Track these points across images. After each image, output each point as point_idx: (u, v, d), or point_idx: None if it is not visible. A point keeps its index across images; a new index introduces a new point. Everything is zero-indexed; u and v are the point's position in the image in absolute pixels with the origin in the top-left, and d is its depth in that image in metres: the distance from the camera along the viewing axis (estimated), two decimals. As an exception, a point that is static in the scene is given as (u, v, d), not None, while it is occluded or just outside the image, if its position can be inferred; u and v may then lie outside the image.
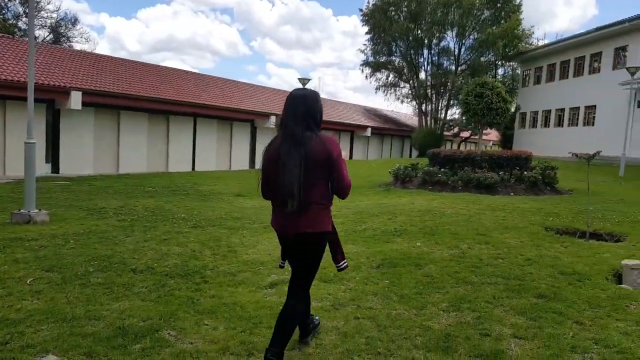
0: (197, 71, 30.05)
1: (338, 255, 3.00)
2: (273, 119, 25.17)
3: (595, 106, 25.48)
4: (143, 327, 3.31)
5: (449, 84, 33.08)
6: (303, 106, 2.70)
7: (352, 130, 32.67)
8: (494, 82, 13.88)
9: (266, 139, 24.92)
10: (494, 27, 30.74)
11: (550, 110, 29.10)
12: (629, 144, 18.64)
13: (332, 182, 2.71)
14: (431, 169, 13.34)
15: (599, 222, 7.37)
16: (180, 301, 3.87)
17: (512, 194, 12.02)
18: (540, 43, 31.66)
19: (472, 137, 37.70)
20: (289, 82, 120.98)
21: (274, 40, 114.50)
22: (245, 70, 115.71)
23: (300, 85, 23.08)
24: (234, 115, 24.25)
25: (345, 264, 3.02)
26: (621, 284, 4.23)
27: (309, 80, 23.40)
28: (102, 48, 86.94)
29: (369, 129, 32.80)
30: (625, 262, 4.32)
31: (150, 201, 10.24)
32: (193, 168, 23.23)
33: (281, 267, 3.05)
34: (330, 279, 4.42)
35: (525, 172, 12.76)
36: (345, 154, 2.83)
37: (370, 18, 34.58)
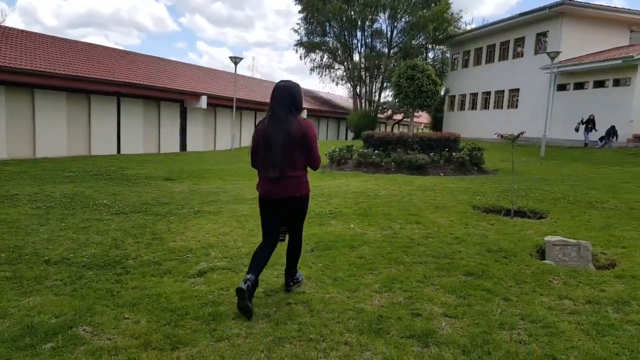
0: (122, 48, 28.05)
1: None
2: (204, 99, 24.31)
3: (518, 89, 26.89)
4: (55, 324, 3.01)
5: (382, 66, 33.54)
6: (287, 95, 3.41)
7: (287, 112, 32.39)
8: (424, 65, 14.15)
9: (198, 120, 24.18)
10: (424, 10, 31.42)
11: (477, 93, 30.40)
12: (549, 125, 19.89)
13: (307, 156, 3.41)
14: (365, 150, 13.48)
15: (522, 200, 7.74)
16: (98, 294, 3.57)
17: (441, 174, 12.42)
18: (468, 27, 32.83)
19: (405, 119, 38.66)
20: (221, 61, 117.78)
21: (204, 17, 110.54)
22: (175, 47, 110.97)
23: (232, 64, 22.41)
24: (162, 95, 23.12)
25: (283, 238, 3.74)
26: (544, 259, 4.42)
27: (241, 59, 22.78)
28: (13, 21, 79.64)
29: (305, 111, 32.66)
30: (547, 238, 4.52)
31: (70, 187, 9.53)
32: (118, 151, 22.01)
33: (281, 240, 3.66)
34: (263, 264, 4.27)
35: (454, 153, 13.22)
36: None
37: (303, -4, 34.21)
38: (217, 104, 26.28)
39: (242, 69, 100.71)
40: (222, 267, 4.27)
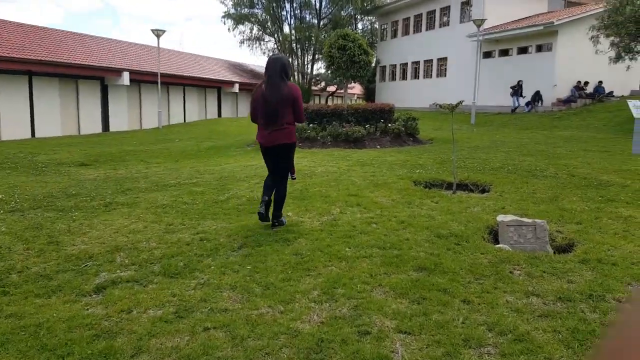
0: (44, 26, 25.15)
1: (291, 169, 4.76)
2: (126, 75, 22.38)
3: (446, 58, 27.08)
4: None
5: (313, 38, 32.60)
6: (280, 65, 4.38)
7: (218, 87, 30.82)
8: (355, 34, 13.54)
9: (120, 98, 22.39)
10: (352, -20, 30.71)
11: (407, 63, 30.38)
12: (477, 93, 20.13)
13: (294, 112, 4.42)
14: (300, 125, 12.80)
15: (462, 171, 7.45)
16: (-47, 334, 2.71)
17: (378, 146, 12.04)
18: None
19: (339, 91, 38.17)
20: (149, 37, 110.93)
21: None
22: (98, 25, 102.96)
23: (154, 36, 20.74)
24: (79, 72, 20.98)
25: (294, 177, 5.05)
26: (498, 242, 4.03)
27: (164, 31, 21.05)
28: None
29: (237, 85, 31.22)
30: (500, 218, 4.13)
31: (-45, 182, 8.14)
32: (33, 135, 19.86)
33: (293, 178, 5.03)
34: (179, 272, 3.54)
35: (389, 125, 12.86)
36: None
37: (228, -35, 32.29)
38: (141, 79, 24.35)
39: (171, 45, 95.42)
40: (127, 278, 3.49)
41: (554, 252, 3.97)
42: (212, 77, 29.51)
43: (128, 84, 22.75)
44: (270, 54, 36.89)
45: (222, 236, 4.29)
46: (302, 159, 9.69)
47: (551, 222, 4.57)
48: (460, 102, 6.34)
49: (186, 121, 28.06)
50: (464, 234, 4.07)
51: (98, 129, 23.08)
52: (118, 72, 22.37)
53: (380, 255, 3.64)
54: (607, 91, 20.56)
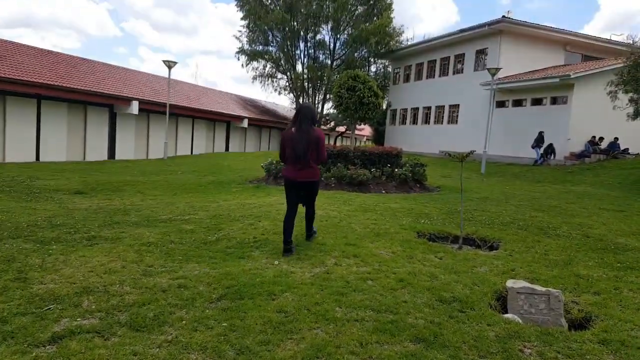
0: (61, 51, 25.63)
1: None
2: (135, 104, 22.52)
3: (458, 105, 27.07)
4: None
5: (325, 77, 32.92)
6: (309, 112, 5.18)
7: (228, 121, 30.98)
8: (365, 76, 13.48)
9: (129, 126, 22.45)
10: (367, 24, 31.20)
11: (418, 108, 30.44)
12: (489, 142, 19.88)
13: (318, 153, 5.13)
14: (304, 164, 12.55)
15: (469, 224, 7.06)
16: None
17: (383, 191, 11.70)
18: (410, 43, 32.96)
19: (347, 132, 38.21)
20: (164, 68, 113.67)
21: (148, 22, 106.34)
22: (115, 52, 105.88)
23: (166, 67, 21.01)
24: (88, 99, 21.14)
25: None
26: (507, 312, 3.61)
27: (175, 63, 21.27)
28: None
29: (246, 120, 31.39)
30: (509, 284, 3.72)
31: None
32: (37, 158, 19.83)
33: (299, 202, 5.42)
34: (147, 324, 3.15)
35: (396, 169, 12.56)
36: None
37: (245, 3, 33.03)
38: (151, 109, 24.51)
39: (186, 77, 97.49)
40: (88, 328, 3.11)
41: (569, 327, 3.54)
42: (222, 111, 29.70)
43: (137, 113, 22.86)
44: (280, 91, 37.53)
45: (202, 283, 3.90)
46: (304, 199, 9.36)
47: (566, 290, 4.14)
48: (471, 152, 6.04)
49: (193, 153, 28.04)
50: (469, 300, 3.65)
51: (104, 156, 23.06)
52: (127, 100, 22.54)
53: (373, 319, 3.23)
54: (622, 148, 20.24)
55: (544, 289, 3.69)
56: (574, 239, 6.53)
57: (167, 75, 22.64)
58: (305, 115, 5.13)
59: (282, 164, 5.60)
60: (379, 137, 35.10)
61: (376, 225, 6.68)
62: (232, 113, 30.75)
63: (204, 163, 19.66)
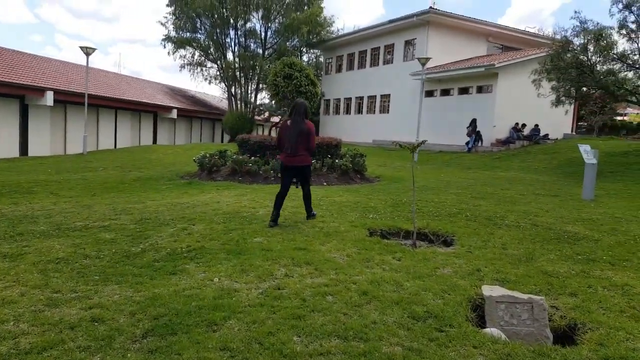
0: None
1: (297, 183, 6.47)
2: (50, 95, 20.38)
3: (389, 95, 27.24)
4: None
5: (257, 67, 31.87)
6: (303, 108, 6.11)
7: (155, 112, 29.15)
8: (301, 64, 12.89)
9: (43, 120, 20.27)
10: (298, 13, 30.54)
11: (351, 98, 30.35)
12: (420, 130, 20.03)
13: (308, 142, 6.03)
14: (241, 157, 11.75)
15: (417, 217, 6.69)
16: None
17: (325, 183, 11.21)
18: (341, 33, 32.73)
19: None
20: (83, 57, 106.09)
21: (64, 8, 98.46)
22: (30, 40, 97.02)
23: (83, 54, 19.20)
24: (-6, 91, 18.85)
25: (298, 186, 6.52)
26: (483, 321, 3.19)
27: (94, 49, 19.45)
28: None
29: (175, 111, 29.71)
30: (486, 291, 3.29)
31: None
32: None
33: (296, 186, 6.39)
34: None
35: (336, 160, 12.12)
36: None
37: (171, -12, 31.16)
38: (68, 100, 22.37)
39: (109, 66, 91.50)
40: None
41: (554, 339, 3.18)
42: (148, 101, 27.85)
43: (52, 104, 20.77)
44: (211, 80, 35.82)
45: (123, 314, 3.13)
46: (242, 196, 8.61)
47: (540, 292, 3.81)
48: (423, 142, 5.66)
49: (117, 147, 26.05)
50: (445, 314, 3.18)
51: (14, 153, 20.78)
52: (41, 91, 20.38)
53: (342, 352, 2.64)
54: (542, 134, 21.22)
55: (525, 296, 3.31)
56: (525, 229, 6.38)
57: (93, 65, 20.65)
58: (298, 110, 6.01)
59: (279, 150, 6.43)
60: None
61: (324, 222, 6.13)
62: (160, 103, 28.96)
63: (128, 157, 18.14)
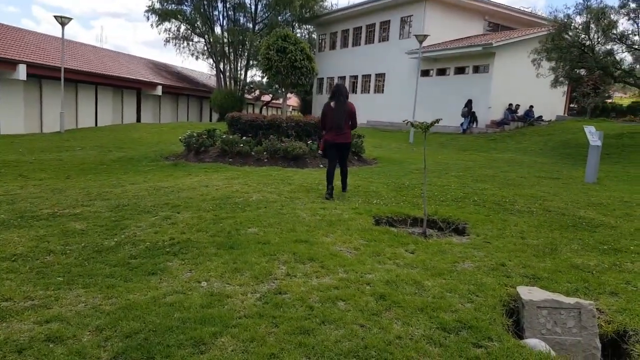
0: None
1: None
2: (23, 68, 19.28)
3: (384, 74, 26.48)
4: None
5: (247, 42, 30.73)
6: (344, 90, 6.73)
7: (138, 88, 28.03)
8: (296, 37, 12.10)
9: (14, 95, 19.09)
10: (290, -15, 29.35)
11: (345, 76, 29.50)
12: (416, 111, 19.42)
13: (352, 121, 6.71)
14: (231, 137, 11.03)
15: (421, 200, 6.16)
16: None
17: (322, 166, 10.59)
18: (334, 8, 31.66)
19: (274, 101, 36.42)
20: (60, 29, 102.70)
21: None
22: (3, 12, 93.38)
23: (57, 24, 18.09)
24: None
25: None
26: (520, 331, 2.67)
27: (70, 19, 18.32)
28: None
29: (160, 87, 28.62)
30: (525, 295, 2.76)
31: None
32: None
33: (330, 159, 6.83)
34: None
35: (332, 141, 11.47)
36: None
37: (155, -43, 29.70)
38: (43, 75, 21.24)
39: (90, 40, 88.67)
40: None
41: (602, 349, 2.68)
42: (131, 77, 26.74)
43: (25, 79, 19.67)
44: (198, 55, 34.49)
45: (88, 330, 2.52)
46: (232, 179, 7.97)
47: (577, 291, 3.30)
48: (437, 120, 5.08)
49: (98, 125, 25.02)
50: (479, 323, 2.64)
51: (-17, 130, 19.75)
52: (12, 64, 19.25)
53: (365, 382, 2.10)
54: (536, 115, 20.80)
55: (572, 300, 2.79)
56: (538, 214, 5.91)
57: (71, 38, 19.50)
58: (340, 92, 6.63)
59: (323, 131, 6.94)
60: (306, 107, 33.79)
61: (325, 210, 5.55)
62: (143, 79, 27.84)
63: (109, 136, 17.27)
